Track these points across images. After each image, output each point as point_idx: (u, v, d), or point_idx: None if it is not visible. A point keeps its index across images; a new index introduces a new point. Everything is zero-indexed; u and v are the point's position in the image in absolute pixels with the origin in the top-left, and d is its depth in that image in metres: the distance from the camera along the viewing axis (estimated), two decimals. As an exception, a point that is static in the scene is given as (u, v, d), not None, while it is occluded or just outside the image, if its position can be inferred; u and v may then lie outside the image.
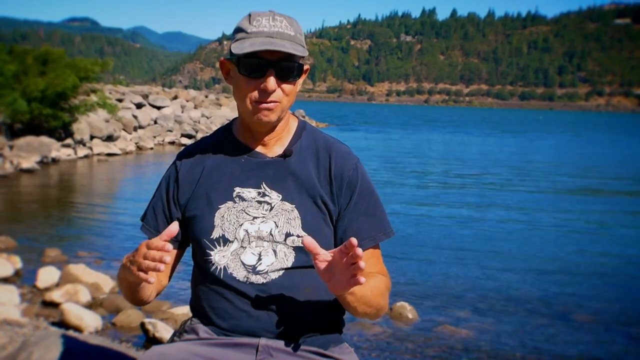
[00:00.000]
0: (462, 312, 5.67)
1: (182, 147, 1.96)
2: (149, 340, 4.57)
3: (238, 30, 1.61)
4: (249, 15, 1.61)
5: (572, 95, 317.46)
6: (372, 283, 1.61)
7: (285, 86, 1.60)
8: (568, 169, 20.44)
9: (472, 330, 5.21)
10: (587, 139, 43.83)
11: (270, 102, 1.59)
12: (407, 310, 5.47)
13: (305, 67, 1.67)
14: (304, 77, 1.70)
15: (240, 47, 1.55)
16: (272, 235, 1.64)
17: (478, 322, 5.44)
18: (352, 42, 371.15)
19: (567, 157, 26.19)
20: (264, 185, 1.67)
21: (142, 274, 1.46)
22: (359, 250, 1.35)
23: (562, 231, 9.70)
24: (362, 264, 1.36)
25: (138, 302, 1.72)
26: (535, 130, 57.52)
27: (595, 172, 19.86)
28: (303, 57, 1.63)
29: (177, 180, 1.74)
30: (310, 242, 1.43)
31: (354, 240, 1.35)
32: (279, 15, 1.60)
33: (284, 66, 1.58)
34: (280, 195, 1.66)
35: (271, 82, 1.56)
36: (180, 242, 1.76)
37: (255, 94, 1.59)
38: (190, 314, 1.81)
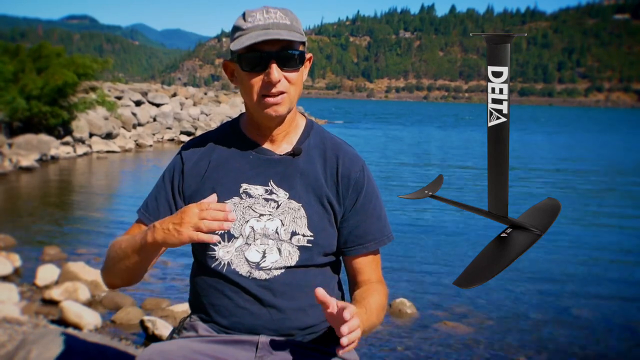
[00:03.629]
0: (461, 308, 5.68)
1: (184, 142, 1.93)
2: (149, 337, 4.57)
3: (235, 29, 1.61)
4: (244, 13, 1.61)
5: (572, 91, 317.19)
6: (375, 303, 1.61)
7: (290, 75, 1.60)
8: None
9: (472, 326, 5.21)
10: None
11: (277, 93, 1.59)
12: (407, 306, 5.47)
13: (308, 55, 1.67)
14: (308, 65, 1.70)
15: (239, 43, 1.56)
16: (277, 234, 1.64)
17: (477, 318, 5.44)
18: (351, 39, 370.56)
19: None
20: (272, 182, 1.67)
21: (203, 235, 1.42)
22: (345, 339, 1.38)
23: (565, 230, 9.70)
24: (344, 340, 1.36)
25: (132, 278, 1.67)
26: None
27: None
28: (303, 44, 1.63)
29: (183, 172, 1.73)
30: (323, 294, 1.39)
31: (344, 342, 1.37)
32: (273, 8, 1.61)
33: (285, 55, 1.58)
34: (288, 194, 1.66)
35: (275, 72, 1.56)
36: None
37: (261, 87, 1.59)
38: (189, 311, 1.80)
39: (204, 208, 1.44)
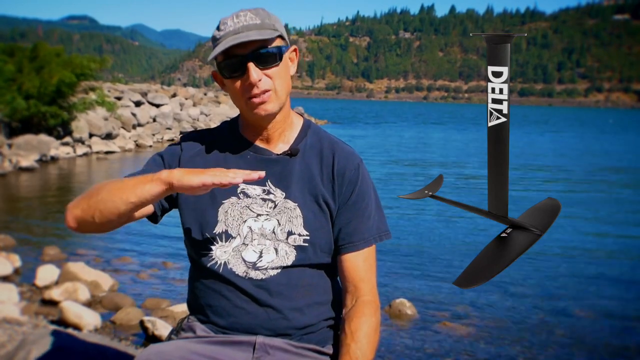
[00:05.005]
0: (461, 308, 5.68)
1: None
2: (148, 338, 4.57)
3: (212, 40, 1.64)
4: (219, 22, 1.64)
5: (572, 91, 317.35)
6: (365, 338, 1.59)
7: (270, 72, 1.60)
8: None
9: (471, 327, 5.21)
10: None
11: (261, 92, 1.60)
12: (406, 306, 5.47)
13: (292, 47, 1.68)
14: (294, 59, 1.71)
15: (212, 54, 1.59)
16: (274, 234, 1.64)
17: (477, 318, 5.44)
18: (351, 39, 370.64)
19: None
20: (269, 183, 1.67)
21: (221, 178, 1.44)
22: None
23: (566, 228, 9.70)
24: None
25: (112, 218, 1.55)
26: None
27: None
28: (282, 38, 1.64)
29: (180, 159, 1.73)
30: None
31: None
32: (243, 11, 1.62)
33: (261, 54, 1.59)
34: (284, 193, 1.67)
35: (252, 73, 1.57)
36: (162, 210, 1.72)
37: (245, 90, 1.61)
38: (188, 312, 1.80)
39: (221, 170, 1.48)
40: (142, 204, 1.53)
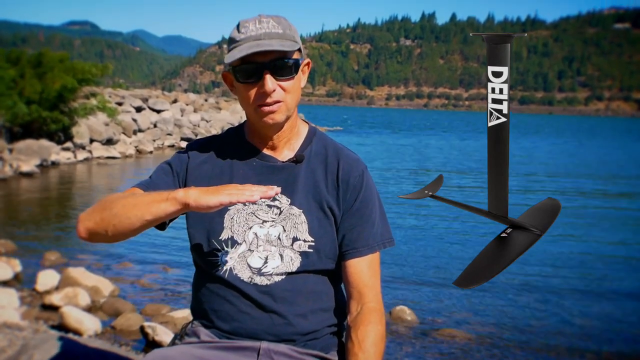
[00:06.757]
0: (461, 315, 5.67)
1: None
2: (149, 343, 4.57)
3: (230, 41, 1.63)
4: (238, 24, 1.63)
5: (572, 99, 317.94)
6: (373, 348, 1.58)
7: (284, 84, 1.61)
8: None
9: (472, 334, 5.21)
10: None
11: (273, 102, 1.60)
12: (407, 313, 5.47)
13: (306, 60, 1.69)
14: (306, 71, 1.72)
15: (232, 56, 1.57)
16: (280, 240, 1.65)
17: (477, 325, 5.44)
18: (352, 46, 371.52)
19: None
20: None
21: (238, 197, 1.45)
22: None
23: (565, 231, 9.69)
24: None
25: (124, 232, 1.55)
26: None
27: None
28: (299, 51, 1.64)
29: (188, 166, 1.73)
30: None
31: None
32: (266, 17, 1.62)
33: (278, 65, 1.59)
34: (289, 200, 1.67)
35: (268, 83, 1.57)
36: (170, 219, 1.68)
37: (257, 97, 1.61)
38: (191, 317, 1.80)
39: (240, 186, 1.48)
40: (156, 222, 1.54)
